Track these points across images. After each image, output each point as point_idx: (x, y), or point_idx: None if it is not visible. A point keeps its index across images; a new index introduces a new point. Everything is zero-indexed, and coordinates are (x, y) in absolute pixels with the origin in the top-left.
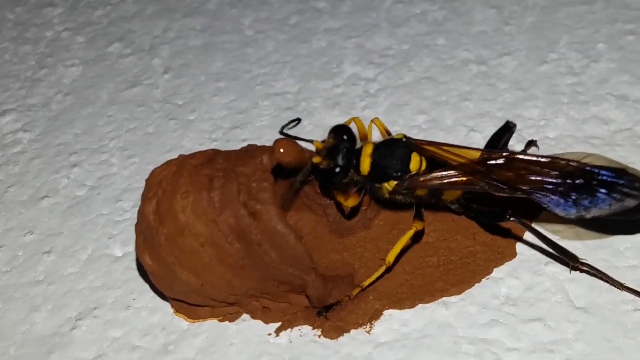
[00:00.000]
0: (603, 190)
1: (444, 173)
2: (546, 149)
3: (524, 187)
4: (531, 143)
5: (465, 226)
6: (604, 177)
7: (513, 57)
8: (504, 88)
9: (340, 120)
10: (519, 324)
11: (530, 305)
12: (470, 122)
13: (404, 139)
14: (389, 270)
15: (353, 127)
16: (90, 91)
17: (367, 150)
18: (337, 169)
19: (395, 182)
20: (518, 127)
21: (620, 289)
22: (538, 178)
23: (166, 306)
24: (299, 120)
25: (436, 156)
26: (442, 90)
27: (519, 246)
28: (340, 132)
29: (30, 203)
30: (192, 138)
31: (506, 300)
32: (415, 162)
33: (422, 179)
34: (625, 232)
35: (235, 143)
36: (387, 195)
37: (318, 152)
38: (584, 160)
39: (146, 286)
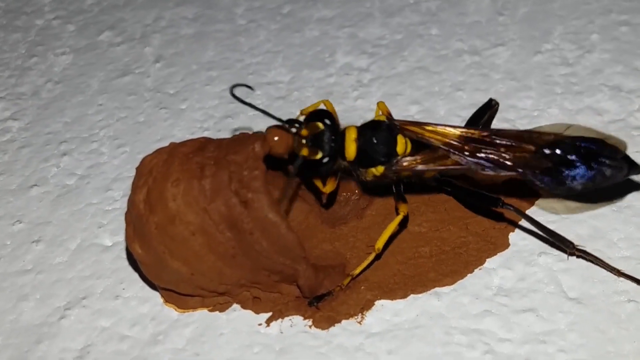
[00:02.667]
0: (585, 163)
1: (431, 156)
2: None
3: (508, 164)
4: None
5: (458, 216)
6: (584, 149)
7: (507, 47)
8: (498, 78)
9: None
10: (511, 315)
11: (523, 296)
12: (463, 112)
13: (387, 121)
14: (378, 257)
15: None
16: (80, 80)
17: (351, 135)
18: (327, 159)
19: (383, 167)
20: (511, 117)
21: (617, 275)
22: (520, 154)
23: (156, 296)
24: (251, 88)
25: (419, 137)
26: (435, 81)
27: (512, 237)
28: (322, 117)
29: (19, 192)
30: (184, 127)
31: (499, 290)
32: (401, 145)
33: (409, 162)
34: (619, 223)
35: (226, 132)
36: (370, 178)
37: (301, 144)
38: (565, 132)
39: (136, 276)
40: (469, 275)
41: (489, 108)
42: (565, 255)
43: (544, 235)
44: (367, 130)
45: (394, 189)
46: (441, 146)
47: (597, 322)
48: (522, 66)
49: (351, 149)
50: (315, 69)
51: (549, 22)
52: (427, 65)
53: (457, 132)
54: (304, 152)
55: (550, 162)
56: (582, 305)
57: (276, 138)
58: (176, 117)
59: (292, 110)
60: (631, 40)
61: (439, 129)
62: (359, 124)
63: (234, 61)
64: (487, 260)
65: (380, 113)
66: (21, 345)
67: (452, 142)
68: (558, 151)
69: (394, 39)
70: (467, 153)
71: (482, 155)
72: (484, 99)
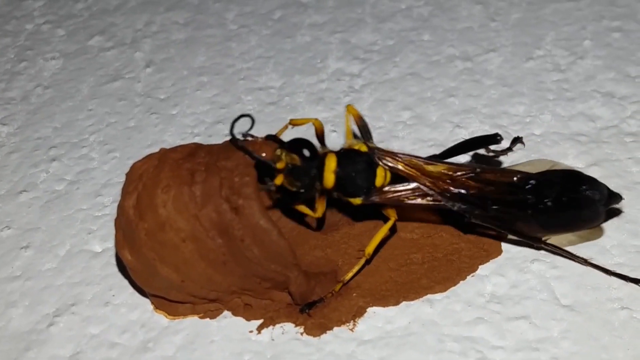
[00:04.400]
0: (563, 205)
1: (408, 192)
2: (532, 145)
3: (486, 203)
4: (517, 140)
5: None
6: (565, 191)
7: (499, 53)
8: (490, 84)
9: (324, 115)
10: (504, 322)
11: (516, 303)
12: (455, 118)
13: (368, 152)
14: (368, 262)
15: (309, 127)
16: (70, 85)
17: (331, 165)
18: (303, 190)
19: (361, 199)
20: (504, 123)
21: (584, 264)
22: (500, 195)
23: (146, 303)
24: (251, 117)
25: (398, 171)
26: (427, 86)
27: (505, 243)
28: (301, 147)
29: (8, 197)
30: (174, 133)
31: (491, 298)
32: (381, 177)
33: (387, 197)
34: (611, 230)
35: (217, 138)
36: (346, 203)
37: (278, 171)
38: (552, 169)
39: (125, 282)
40: (461, 282)
41: (493, 142)
42: (558, 262)
43: (510, 234)
44: (347, 162)
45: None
46: (418, 183)
47: (591, 329)
48: (514, 72)
49: (329, 179)
50: (307, 75)
51: (541, 28)
52: (419, 71)
53: (436, 168)
54: (279, 181)
55: (526, 203)
56: (575, 312)
57: (264, 154)
58: (167, 123)
59: (283, 116)
60: (624, 46)
61: (417, 161)
62: (338, 148)
63: (225, 66)
64: (480, 267)
65: (351, 119)
66: (10, 353)
67: (430, 179)
68: (536, 192)
69: (385, 45)
70: (444, 191)
71: (460, 193)
72: (476, 105)
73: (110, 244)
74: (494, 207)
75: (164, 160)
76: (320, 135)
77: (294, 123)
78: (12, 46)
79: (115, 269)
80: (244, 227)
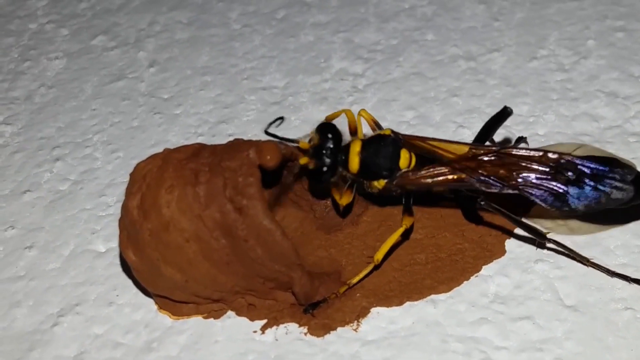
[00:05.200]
0: (591, 183)
1: (433, 171)
2: (536, 145)
3: (513, 182)
4: (520, 139)
5: (454, 223)
6: (593, 170)
7: (502, 53)
8: (493, 84)
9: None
10: (508, 323)
11: (520, 303)
12: (459, 118)
13: (392, 135)
14: (377, 267)
15: (342, 119)
16: (74, 84)
17: (356, 148)
18: (325, 169)
19: (385, 181)
20: (507, 123)
21: (587, 265)
22: (527, 173)
23: (150, 303)
24: (282, 118)
25: (425, 152)
26: (430, 86)
27: (508, 244)
28: (326, 130)
29: (12, 197)
30: (178, 132)
31: (495, 298)
32: (405, 159)
33: (411, 177)
34: (616, 224)
35: (221, 138)
36: (374, 191)
37: (304, 152)
38: (575, 152)
39: (129, 282)
40: (465, 282)
41: (505, 116)
42: (562, 263)
43: (519, 228)
44: (370, 144)
45: (403, 201)
46: (445, 162)
47: (594, 330)
48: (517, 72)
49: (354, 162)
50: (310, 74)
51: (545, 28)
52: (422, 71)
53: (463, 148)
54: (303, 160)
55: (555, 181)
56: (579, 313)
57: (268, 157)
58: (170, 123)
59: (287, 116)
60: (627, 46)
61: (444, 144)
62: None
63: (229, 66)
64: (484, 267)
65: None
66: (14, 353)
67: (456, 158)
68: (564, 170)
69: (389, 45)
70: (471, 170)
71: (487, 172)
72: (479, 105)
73: (114, 244)
74: (520, 183)
75: (167, 161)
76: (352, 127)
77: (328, 118)
78: (15, 46)
79: (119, 269)
80: (248, 227)
